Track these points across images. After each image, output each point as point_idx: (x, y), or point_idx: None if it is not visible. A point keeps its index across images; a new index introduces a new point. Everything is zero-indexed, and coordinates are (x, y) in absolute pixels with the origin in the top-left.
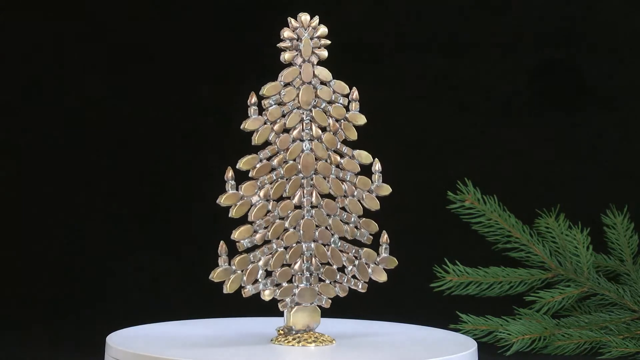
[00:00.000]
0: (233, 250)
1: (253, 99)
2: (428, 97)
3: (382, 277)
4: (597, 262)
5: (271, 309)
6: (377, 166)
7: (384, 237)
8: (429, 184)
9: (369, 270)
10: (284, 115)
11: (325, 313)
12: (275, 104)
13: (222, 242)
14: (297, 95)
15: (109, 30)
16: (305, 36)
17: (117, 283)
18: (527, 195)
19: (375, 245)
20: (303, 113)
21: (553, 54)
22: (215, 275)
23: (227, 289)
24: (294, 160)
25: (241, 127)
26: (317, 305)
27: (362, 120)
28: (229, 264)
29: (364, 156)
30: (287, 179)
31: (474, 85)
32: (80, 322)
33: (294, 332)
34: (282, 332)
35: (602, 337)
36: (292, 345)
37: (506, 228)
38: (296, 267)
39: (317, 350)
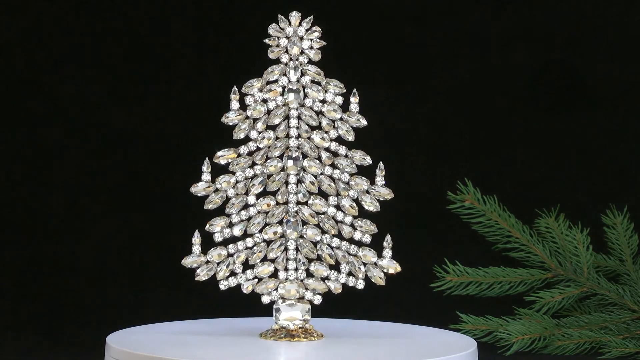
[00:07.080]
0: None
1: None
2: (428, 97)
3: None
4: (597, 262)
5: (270, 309)
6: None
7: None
8: (429, 184)
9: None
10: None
11: (326, 312)
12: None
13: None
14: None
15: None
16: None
17: (116, 283)
18: (527, 195)
19: (378, 248)
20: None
21: (553, 55)
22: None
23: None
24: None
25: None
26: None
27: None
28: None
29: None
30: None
31: (474, 86)
32: (80, 322)
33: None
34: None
35: (602, 337)
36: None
37: (506, 228)
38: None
39: (306, 345)
